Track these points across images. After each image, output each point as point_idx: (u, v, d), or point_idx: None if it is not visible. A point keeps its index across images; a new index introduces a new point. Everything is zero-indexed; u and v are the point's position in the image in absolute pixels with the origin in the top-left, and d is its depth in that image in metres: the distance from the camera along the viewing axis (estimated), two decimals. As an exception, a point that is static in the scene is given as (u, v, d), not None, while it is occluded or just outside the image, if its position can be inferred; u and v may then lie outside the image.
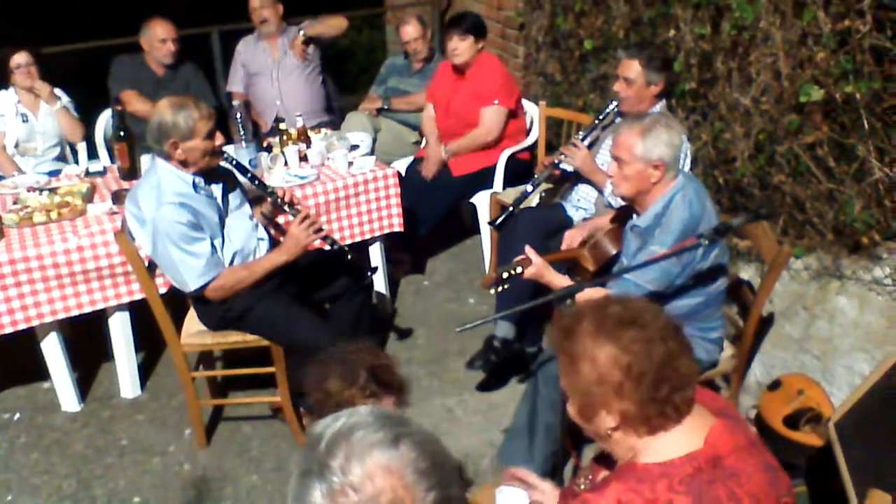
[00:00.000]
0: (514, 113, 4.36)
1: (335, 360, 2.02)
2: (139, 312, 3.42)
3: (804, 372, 3.04)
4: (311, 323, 3.05)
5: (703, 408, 1.57)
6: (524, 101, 4.52)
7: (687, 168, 3.23)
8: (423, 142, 4.77)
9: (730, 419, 1.58)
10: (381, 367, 2.02)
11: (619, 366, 1.48)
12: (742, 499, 1.46)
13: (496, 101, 4.24)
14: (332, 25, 4.86)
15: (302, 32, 4.74)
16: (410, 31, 4.72)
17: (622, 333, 1.50)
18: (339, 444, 1.11)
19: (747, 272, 3.36)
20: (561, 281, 2.70)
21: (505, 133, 4.34)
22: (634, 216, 2.77)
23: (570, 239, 3.22)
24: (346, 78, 6.47)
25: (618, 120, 3.46)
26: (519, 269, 2.69)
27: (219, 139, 2.89)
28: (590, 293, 2.41)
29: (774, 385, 2.94)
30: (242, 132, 3.82)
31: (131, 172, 3.79)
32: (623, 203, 2.90)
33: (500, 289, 2.72)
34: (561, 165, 3.66)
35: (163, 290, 3.16)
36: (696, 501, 1.42)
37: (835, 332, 3.00)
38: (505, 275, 2.68)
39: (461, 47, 4.23)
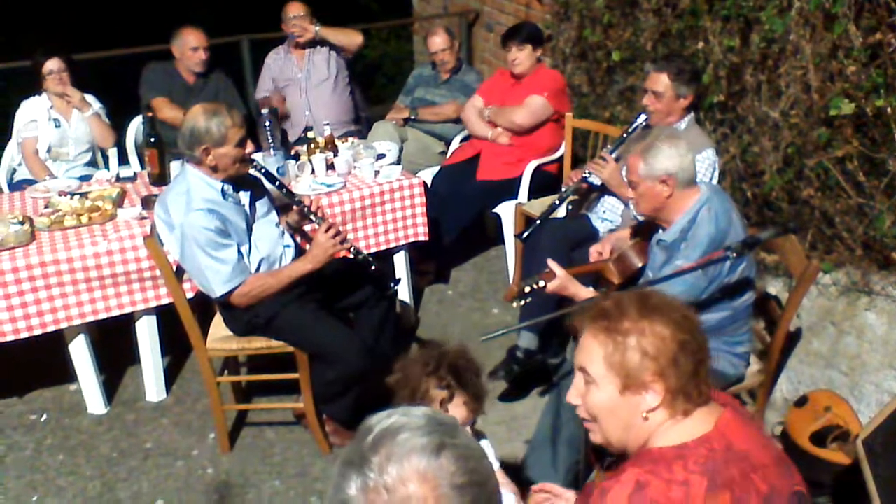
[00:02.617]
0: (556, 121, 4.36)
1: (426, 351, 2.15)
2: (166, 317, 3.45)
3: (832, 388, 3.01)
4: (336, 330, 3.07)
5: (714, 400, 1.62)
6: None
7: (715, 181, 3.22)
8: (449, 152, 4.78)
9: (738, 410, 1.62)
10: (463, 367, 2.12)
11: (676, 340, 1.52)
12: (755, 480, 1.48)
13: (545, 94, 4.27)
14: (348, 35, 4.88)
15: (316, 29, 4.78)
16: (438, 41, 4.75)
17: (671, 312, 1.56)
18: (384, 441, 1.11)
19: (775, 287, 3.33)
20: (586, 293, 2.69)
21: (536, 144, 4.35)
22: (660, 230, 2.76)
23: (595, 253, 3.21)
24: (374, 88, 6.53)
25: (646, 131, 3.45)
26: (541, 283, 2.68)
27: (249, 147, 2.92)
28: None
29: (801, 401, 2.91)
30: (271, 140, 3.85)
31: (161, 178, 3.84)
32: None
33: (522, 302, 2.72)
34: (589, 178, 3.66)
35: (190, 296, 3.18)
36: (711, 480, 1.45)
37: (863, 348, 2.97)
38: (527, 288, 2.68)
39: (520, 57, 4.29)
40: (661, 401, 1.54)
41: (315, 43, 4.88)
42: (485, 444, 2.31)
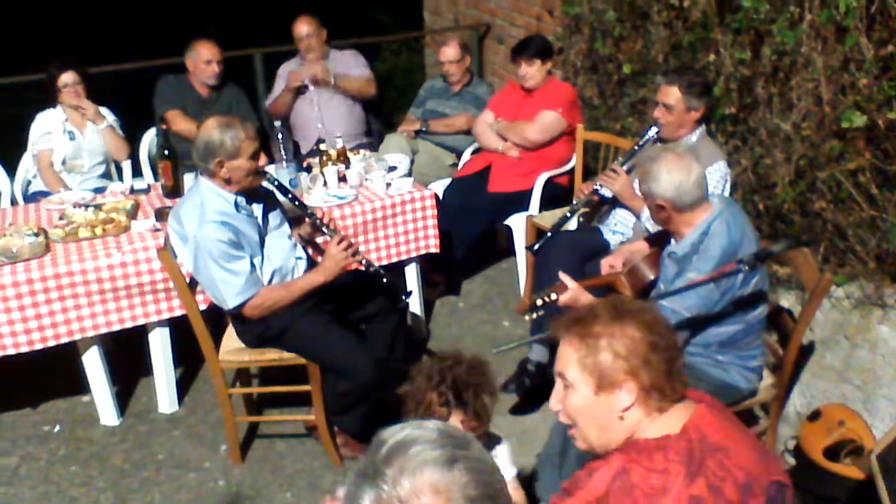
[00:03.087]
0: (569, 135, 4.37)
1: (437, 362, 2.17)
2: (179, 328, 3.46)
3: (845, 402, 2.99)
4: (348, 343, 3.08)
5: (689, 398, 1.70)
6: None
7: (726, 193, 3.22)
8: (460, 164, 4.80)
9: (713, 406, 1.69)
10: (465, 385, 2.12)
11: (646, 341, 1.61)
12: (731, 468, 1.55)
13: (559, 110, 4.28)
14: (362, 91, 4.98)
15: (333, 79, 4.84)
16: (450, 53, 4.77)
17: (641, 314, 1.65)
18: (397, 454, 1.12)
19: (788, 300, 3.32)
20: (598, 305, 2.69)
21: (547, 156, 4.36)
22: (672, 242, 2.76)
23: (607, 266, 3.21)
24: (385, 100, 6.57)
25: (656, 146, 3.45)
26: (553, 296, 2.68)
27: (262, 159, 2.94)
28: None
29: (814, 415, 2.89)
30: (283, 153, 3.88)
31: (174, 190, 3.86)
32: (661, 228, 2.89)
33: (534, 315, 2.72)
34: (600, 191, 3.66)
35: (203, 307, 3.20)
36: (689, 470, 1.53)
37: (877, 361, 2.95)
38: (539, 301, 2.68)
39: (530, 72, 4.31)
40: (636, 398, 1.61)
41: (328, 56, 4.92)
42: (502, 449, 2.31)
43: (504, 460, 2.34)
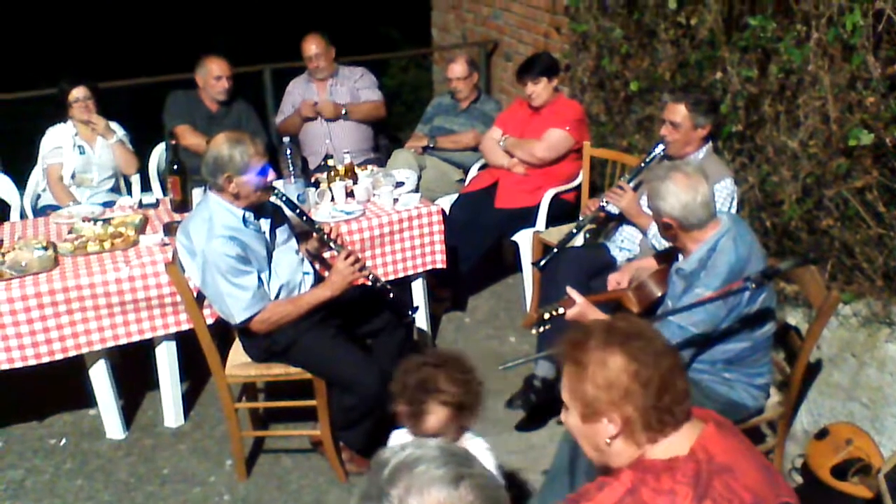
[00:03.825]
0: (576, 152, 4.38)
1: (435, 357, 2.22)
2: (186, 342, 3.47)
3: (853, 421, 2.97)
4: (354, 357, 3.08)
5: (696, 417, 1.67)
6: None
7: (733, 211, 3.22)
8: (468, 180, 4.81)
9: (722, 425, 1.67)
10: (425, 390, 2.16)
11: (628, 372, 1.57)
12: (738, 490, 1.53)
13: (567, 128, 4.29)
14: (372, 115, 5.05)
15: (345, 111, 4.90)
16: (457, 69, 4.79)
17: (631, 343, 1.60)
18: (402, 474, 1.12)
19: (795, 317, 3.31)
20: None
21: (554, 172, 4.37)
22: (680, 258, 2.76)
23: (614, 282, 3.21)
24: (393, 116, 6.62)
25: (665, 163, 3.45)
26: (561, 310, 2.68)
27: (270, 175, 2.96)
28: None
29: (822, 434, 2.88)
30: (291, 168, 3.90)
31: (183, 205, 3.88)
32: (667, 245, 2.89)
33: (541, 329, 2.72)
34: (606, 207, 3.67)
35: (210, 322, 3.20)
36: (696, 492, 1.51)
37: (885, 380, 2.94)
38: (546, 315, 2.68)
39: (537, 90, 4.33)
40: (619, 430, 1.60)
41: (337, 74, 4.96)
42: (476, 442, 2.32)
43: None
